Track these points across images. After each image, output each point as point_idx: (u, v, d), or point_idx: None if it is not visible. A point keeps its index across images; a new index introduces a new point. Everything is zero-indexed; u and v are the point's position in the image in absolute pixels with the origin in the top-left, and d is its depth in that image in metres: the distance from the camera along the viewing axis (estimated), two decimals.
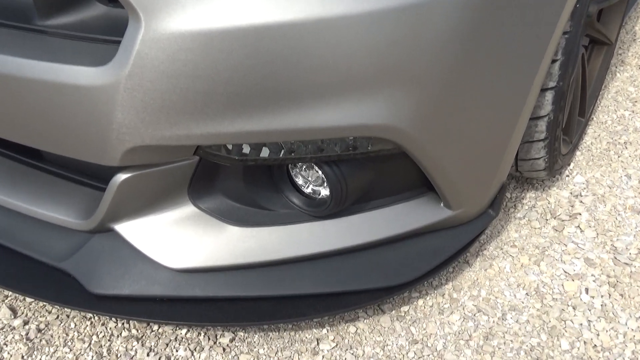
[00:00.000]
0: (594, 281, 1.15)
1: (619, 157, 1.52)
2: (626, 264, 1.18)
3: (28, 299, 1.12)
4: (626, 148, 1.56)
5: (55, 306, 1.09)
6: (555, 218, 1.31)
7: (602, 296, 1.12)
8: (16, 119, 0.88)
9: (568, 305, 1.11)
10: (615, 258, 1.20)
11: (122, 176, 0.89)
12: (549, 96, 1.08)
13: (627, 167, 1.48)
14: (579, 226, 1.28)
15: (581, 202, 1.36)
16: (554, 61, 1.04)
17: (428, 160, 0.91)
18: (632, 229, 1.27)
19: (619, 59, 2.09)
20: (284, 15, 0.74)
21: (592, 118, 1.70)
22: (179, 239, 0.96)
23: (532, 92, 0.98)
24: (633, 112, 1.74)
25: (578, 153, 1.54)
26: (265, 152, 0.87)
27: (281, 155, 0.88)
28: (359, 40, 0.76)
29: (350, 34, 0.75)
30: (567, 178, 1.44)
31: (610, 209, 1.33)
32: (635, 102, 1.80)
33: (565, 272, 1.17)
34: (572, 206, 1.35)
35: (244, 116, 0.79)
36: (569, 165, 1.48)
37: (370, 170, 0.96)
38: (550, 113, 1.10)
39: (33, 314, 1.10)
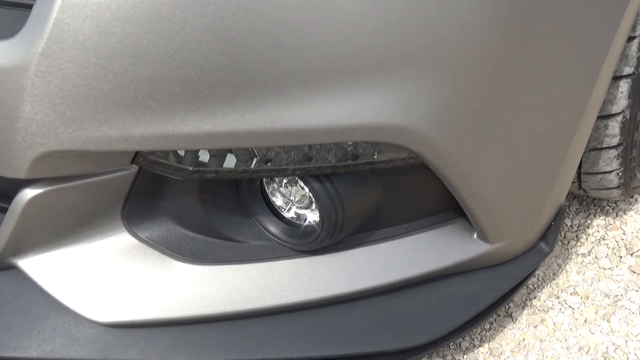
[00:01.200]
0: None
1: None
2: None
3: None
4: None
5: None
6: (632, 255, 1.35)
7: None
8: None
9: None
10: None
11: (30, 192, 0.91)
12: (624, 86, 1.12)
13: None
14: None
15: None
16: (630, 39, 1.07)
17: (456, 175, 0.93)
18: None
19: None
20: None
21: None
22: (109, 280, 0.98)
23: (600, 80, 1.02)
24: None
25: None
26: (230, 162, 0.89)
27: (253, 165, 0.90)
28: (361, 2, 0.79)
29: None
30: None
31: None
32: None
33: None
34: None
35: (202, 111, 0.81)
36: None
37: (377, 188, 0.99)
38: (625, 110, 1.14)
39: None
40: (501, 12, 0.84)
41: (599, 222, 1.43)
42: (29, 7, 0.81)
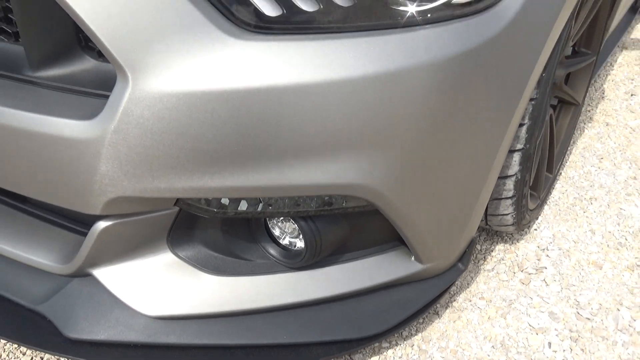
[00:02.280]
0: (556, 335, 1.17)
1: (584, 212, 1.57)
2: (588, 318, 1.21)
3: (2, 340, 1.11)
4: (591, 204, 1.61)
5: (30, 349, 1.08)
6: (522, 271, 1.34)
7: (564, 350, 1.14)
8: (1, 165, 0.89)
9: (531, 359, 1.12)
10: (578, 313, 1.23)
11: (103, 224, 0.90)
12: (517, 157, 1.12)
13: (592, 222, 1.52)
14: (544, 280, 1.31)
15: (547, 255, 1.39)
16: (521, 125, 1.08)
17: (399, 217, 0.93)
18: (594, 284, 1.31)
19: (588, 116, 2.17)
20: (266, 80, 0.76)
21: (560, 173, 1.75)
22: (156, 286, 0.96)
23: (500, 153, 1.02)
24: (599, 168, 1.80)
25: (546, 207, 1.58)
26: (243, 206, 0.89)
27: (259, 208, 0.89)
28: (335, 105, 0.78)
29: (327, 99, 0.78)
30: (535, 231, 1.48)
31: (575, 264, 1.37)
32: (602, 158, 1.86)
33: (530, 325, 1.19)
34: (538, 259, 1.38)
35: (225, 172, 0.81)
36: (536, 219, 1.52)
37: (345, 225, 0.98)
38: (517, 173, 1.14)
39: (7, 356, 1.08)
40: (430, 107, 0.84)
41: (499, 247, 1.42)
42: (106, 96, 0.81)
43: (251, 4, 0.77)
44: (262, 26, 0.78)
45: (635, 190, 1.68)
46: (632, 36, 3.18)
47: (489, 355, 1.13)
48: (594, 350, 1.14)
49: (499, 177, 1.12)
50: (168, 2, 0.74)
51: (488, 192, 1.08)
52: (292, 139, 0.79)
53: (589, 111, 2.21)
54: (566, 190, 1.67)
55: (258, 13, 0.78)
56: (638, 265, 1.37)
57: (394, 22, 0.81)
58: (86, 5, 0.72)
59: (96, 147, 0.79)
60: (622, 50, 2.92)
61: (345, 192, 0.86)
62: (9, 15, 0.89)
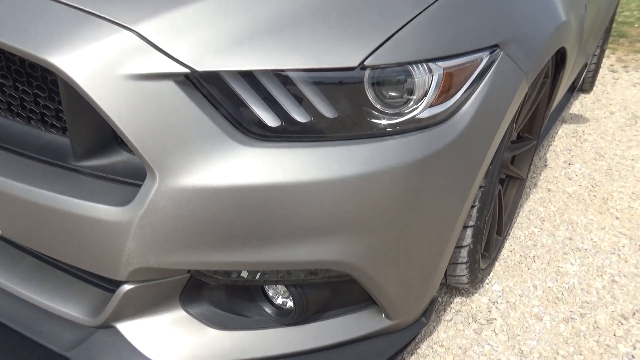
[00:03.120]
0: None
1: (528, 269, 1.63)
2: None
3: None
4: (534, 261, 1.67)
5: None
6: (475, 322, 1.38)
7: None
8: (43, 237, 0.93)
9: None
10: None
11: (127, 287, 0.94)
12: (469, 232, 1.18)
13: (534, 278, 1.58)
14: (494, 330, 1.36)
15: (497, 308, 1.44)
16: (473, 206, 1.15)
17: (373, 284, 0.98)
18: (535, 334, 1.35)
19: (533, 182, 2.25)
20: (266, 179, 0.82)
21: (509, 233, 1.82)
22: (169, 338, 0.99)
23: (455, 230, 1.08)
24: (541, 229, 1.87)
25: (497, 264, 1.64)
26: (244, 274, 0.94)
27: (257, 277, 0.94)
28: (321, 200, 0.84)
29: (315, 195, 0.84)
30: (487, 285, 1.53)
31: (520, 316, 1.42)
32: (543, 220, 1.93)
33: None
34: (489, 311, 1.43)
35: (230, 250, 0.86)
36: (489, 274, 1.57)
37: (327, 289, 1.02)
38: (470, 244, 1.20)
39: None
40: (399, 200, 0.90)
41: (457, 300, 1.47)
42: (137, 185, 0.87)
43: (256, 116, 0.84)
44: (264, 135, 0.84)
45: (571, 250, 1.75)
46: (571, 111, 3.32)
47: None
48: None
49: (455, 247, 1.18)
50: (190, 116, 0.80)
51: (446, 259, 1.13)
52: (286, 225, 0.85)
53: (534, 178, 2.30)
54: (514, 249, 1.73)
55: (261, 124, 0.84)
56: (572, 319, 1.42)
57: (370, 133, 0.88)
58: (124, 119, 0.78)
59: (126, 229, 0.84)
60: (562, 124, 3.05)
61: (328, 266, 0.91)
62: (60, 114, 0.95)
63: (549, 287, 1.54)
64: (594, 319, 1.43)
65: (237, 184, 0.81)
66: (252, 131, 0.84)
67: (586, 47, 2.30)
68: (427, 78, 0.89)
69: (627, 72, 4.52)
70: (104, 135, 0.92)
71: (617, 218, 1.99)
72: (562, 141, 2.77)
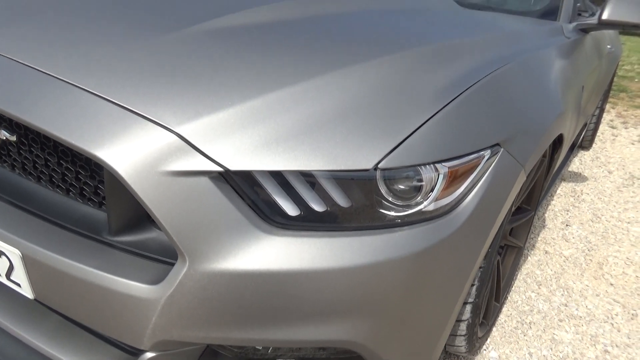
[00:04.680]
0: None
1: (524, 336, 1.69)
2: None
3: None
4: (530, 328, 1.73)
5: None
6: None
7: None
8: (74, 305, 1.00)
9: None
10: None
11: (149, 354, 1.00)
12: (468, 307, 1.25)
13: (530, 346, 1.64)
14: None
15: None
16: (472, 285, 1.22)
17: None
18: None
19: (531, 244, 2.33)
20: (285, 265, 0.90)
21: (507, 297, 1.89)
22: None
23: (456, 307, 1.15)
24: (538, 294, 1.94)
25: (494, 329, 1.70)
26: (258, 349, 1.01)
27: (269, 351, 1.01)
28: (334, 285, 0.92)
29: (328, 281, 0.91)
30: (484, 352, 1.59)
31: None
32: (540, 285, 2.00)
33: None
34: None
35: (248, 329, 0.93)
36: (486, 340, 1.64)
37: None
38: (469, 318, 1.27)
39: None
40: (405, 287, 0.97)
41: None
42: (167, 262, 0.95)
43: (279, 207, 0.93)
44: (285, 224, 0.93)
45: (566, 317, 1.82)
46: (570, 168, 3.42)
47: None
48: None
49: (456, 321, 1.25)
50: (220, 208, 0.89)
51: (447, 334, 1.19)
52: (301, 308, 0.92)
53: (532, 239, 2.38)
54: (511, 314, 1.79)
55: (283, 213, 0.93)
56: None
57: (380, 224, 0.96)
58: (162, 210, 0.87)
59: (155, 305, 0.91)
60: (561, 182, 3.14)
61: (337, 345, 0.98)
62: (98, 190, 1.04)
63: (544, 356, 1.60)
64: None
65: (259, 270, 0.89)
66: (275, 220, 0.93)
67: (585, 110, 2.40)
68: (433, 176, 0.98)
69: (626, 128, 4.65)
70: (139, 214, 1.01)
71: (611, 284, 2.05)
72: (560, 200, 2.86)
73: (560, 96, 1.44)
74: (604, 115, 5.06)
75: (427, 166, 0.96)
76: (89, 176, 1.03)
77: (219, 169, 0.87)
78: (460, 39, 1.32)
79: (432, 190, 0.98)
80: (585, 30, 2.09)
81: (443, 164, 0.98)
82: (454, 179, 1.01)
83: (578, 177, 3.25)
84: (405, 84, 1.05)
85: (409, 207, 0.98)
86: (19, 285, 1.06)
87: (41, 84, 0.96)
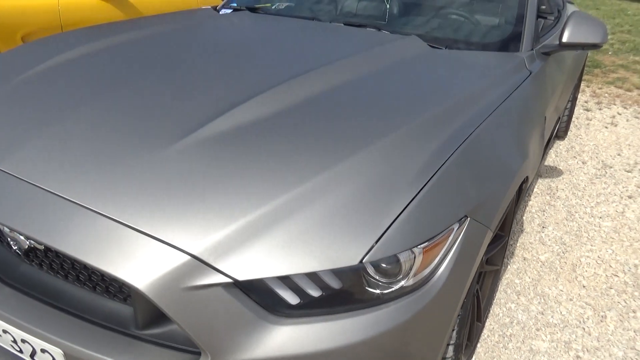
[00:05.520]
0: None
1: (505, 349, 1.90)
2: None
3: None
4: (511, 340, 1.94)
5: None
6: None
7: None
8: None
9: None
10: None
11: None
12: (451, 348, 1.44)
13: (510, 359, 1.85)
14: None
15: None
16: (453, 330, 1.41)
17: None
18: None
19: (510, 251, 2.53)
20: (289, 350, 1.07)
21: (489, 313, 2.09)
22: None
23: (441, 351, 1.33)
24: (517, 304, 2.15)
25: (478, 345, 1.91)
26: None
27: None
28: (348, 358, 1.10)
29: (329, 358, 1.10)
30: None
31: None
32: (519, 294, 2.21)
33: None
34: None
35: None
36: (472, 359, 1.84)
37: None
38: (452, 356, 1.47)
39: None
40: (395, 347, 1.16)
41: None
42: (192, 352, 1.12)
43: (279, 296, 1.10)
44: (288, 313, 1.10)
45: (542, 325, 2.03)
46: (546, 162, 3.62)
47: None
48: None
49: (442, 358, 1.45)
50: (233, 309, 1.05)
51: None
52: None
53: (511, 245, 2.58)
54: (493, 328, 2.00)
55: (284, 302, 1.10)
56: None
57: (368, 303, 1.14)
58: (184, 318, 1.03)
59: None
60: (537, 178, 3.34)
61: None
62: (123, 289, 1.21)
63: None
64: None
65: (270, 356, 1.07)
66: (279, 310, 1.10)
67: (557, 108, 2.57)
68: (410, 258, 1.15)
69: (600, 109, 4.83)
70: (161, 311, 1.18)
71: (583, 287, 2.27)
72: (537, 200, 3.06)
73: (524, 145, 1.62)
74: (579, 95, 5.24)
75: (405, 252, 1.13)
76: (114, 278, 1.19)
77: (230, 280, 1.03)
78: (439, 105, 1.48)
79: (410, 269, 1.16)
80: (547, 53, 2.25)
81: (419, 246, 1.15)
82: (428, 255, 1.19)
83: (553, 172, 3.45)
84: (387, 173, 1.21)
85: (392, 284, 1.16)
86: None
87: (65, 212, 1.11)
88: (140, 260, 1.03)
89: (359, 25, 2.36)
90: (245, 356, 1.07)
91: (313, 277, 1.10)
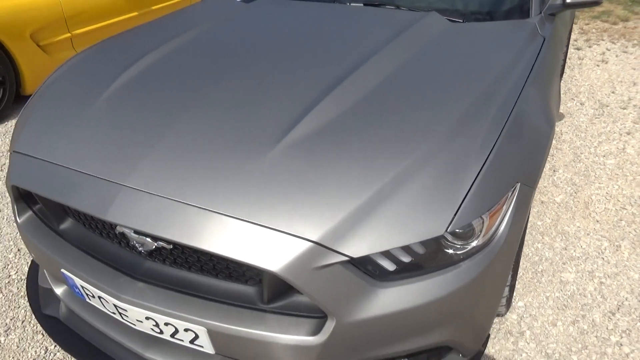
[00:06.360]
0: None
1: (539, 283, 2.22)
2: None
3: None
4: (543, 275, 2.26)
5: None
6: (512, 335, 1.96)
7: None
8: (248, 355, 1.45)
9: None
10: None
11: None
12: (507, 288, 1.75)
13: (545, 291, 2.18)
14: (526, 340, 1.94)
15: (524, 321, 2.02)
16: (509, 274, 1.71)
17: (459, 344, 1.53)
18: (554, 338, 1.95)
19: None
20: (393, 308, 1.35)
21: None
22: None
23: (504, 293, 1.64)
24: (542, 243, 2.46)
25: (517, 283, 2.23)
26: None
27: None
28: (428, 312, 1.35)
29: (424, 311, 1.34)
30: (514, 303, 2.12)
31: (541, 325, 2.00)
32: (543, 234, 2.52)
33: None
34: (520, 325, 1.99)
35: (378, 350, 1.40)
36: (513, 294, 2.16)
37: (426, 353, 1.59)
38: (507, 295, 1.77)
39: None
40: (471, 297, 1.45)
41: (496, 320, 2.05)
42: (315, 317, 1.40)
43: (380, 265, 1.37)
44: (387, 278, 1.38)
45: (567, 259, 2.35)
46: None
47: None
48: None
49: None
50: (348, 280, 1.32)
51: (496, 311, 1.70)
52: (410, 331, 1.37)
53: None
54: (526, 267, 2.32)
55: (384, 270, 1.38)
56: (577, 320, 2.03)
57: (447, 263, 1.41)
58: (313, 290, 1.30)
59: (317, 348, 1.35)
60: None
61: (436, 345, 1.46)
62: (246, 273, 1.47)
63: (557, 297, 2.14)
64: (591, 318, 2.04)
65: (380, 314, 1.35)
66: (381, 277, 1.37)
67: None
68: (480, 222, 1.42)
69: (590, 47, 5.06)
70: (284, 286, 1.44)
71: (597, 221, 2.59)
72: None
73: (550, 109, 1.87)
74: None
75: (476, 219, 1.40)
76: (237, 265, 1.45)
77: (347, 258, 1.30)
78: (482, 82, 1.70)
79: (480, 231, 1.44)
80: (553, 14, 2.46)
81: (486, 212, 1.42)
82: (492, 218, 1.46)
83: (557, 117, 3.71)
84: (455, 152, 1.43)
85: (466, 245, 1.43)
86: (201, 347, 1.51)
87: (201, 217, 1.35)
88: (273, 251, 1.28)
89: (378, 5, 2.53)
90: (360, 316, 1.34)
91: (405, 247, 1.37)
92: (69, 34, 3.99)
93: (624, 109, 3.72)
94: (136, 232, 1.45)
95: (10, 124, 3.70)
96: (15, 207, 1.78)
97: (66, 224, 1.73)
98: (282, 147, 1.48)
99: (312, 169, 1.42)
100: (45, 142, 1.67)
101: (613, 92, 3.99)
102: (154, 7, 4.65)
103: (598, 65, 4.57)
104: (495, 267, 1.49)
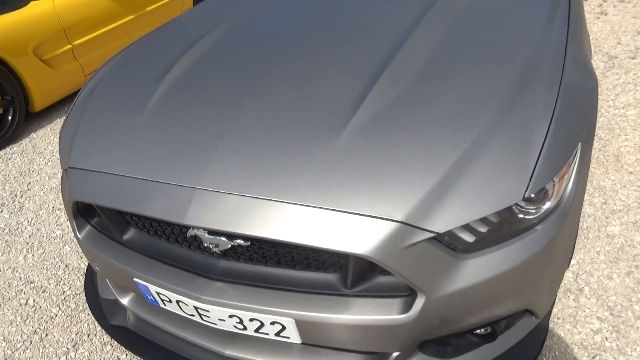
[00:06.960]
0: (606, 330, 1.86)
1: (588, 240, 2.25)
2: (618, 316, 1.91)
3: None
4: (589, 232, 2.29)
5: None
6: (571, 293, 2.00)
7: (610, 341, 1.83)
8: (335, 339, 1.47)
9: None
10: (612, 313, 1.92)
11: (395, 354, 1.51)
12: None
13: (595, 246, 2.20)
14: (585, 296, 1.98)
15: (580, 278, 2.05)
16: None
17: (536, 308, 1.57)
18: (612, 291, 1.99)
19: None
20: (476, 279, 1.37)
21: None
22: None
23: (571, 254, 1.68)
24: None
25: None
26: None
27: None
28: (508, 280, 1.37)
29: (504, 279, 1.36)
30: None
31: (597, 279, 2.04)
32: None
33: (590, 328, 1.88)
34: (577, 282, 2.04)
35: (463, 321, 1.42)
36: None
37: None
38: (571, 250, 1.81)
39: None
40: (543, 262, 1.49)
41: None
42: (401, 296, 1.43)
43: (461, 238, 1.39)
44: (467, 249, 1.40)
45: (609, 213, 2.39)
46: None
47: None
48: (627, 336, 1.84)
49: None
50: (434, 255, 1.34)
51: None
52: (493, 299, 1.39)
53: None
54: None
55: (464, 242, 1.40)
56: (631, 271, 2.08)
57: (522, 229, 1.44)
58: (402, 269, 1.32)
59: (408, 325, 1.36)
60: None
61: (517, 311, 1.50)
62: (326, 261, 1.49)
63: (607, 251, 2.18)
64: None
65: (466, 285, 1.37)
66: (463, 249, 1.40)
67: None
68: (551, 185, 1.45)
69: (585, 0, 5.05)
70: (369, 270, 1.46)
71: (631, 172, 2.63)
72: None
73: (590, 64, 1.88)
74: None
75: (549, 183, 1.43)
76: (317, 254, 1.47)
77: (433, 235, 1.32)
78: (529, 46, 1.71)
79: (552, 194, 1.46)
80: None
81: (556, 175, 1.45)
82: (561, 180, 1.49)
83: None
84: (521, 121, 1.44)
85: (539, 209, 1.46)
86: (288, 337, 1.53)
87: (282, 211, 1.36)
88: (360, 235, 1.30)
89: None
90: (447, 290, 1.37)
91: (482, 218, 1.40)
92: (69, 45, 3.94)
93: (633, 58, 3.74)
94: (210, 232, 1.46)
95: (25, 142, 3.67)
96: (74, 223, 1.78)
97: (129, 234, 1.74)
98: (350, 130, 1.49)
99: (384, 150, 1.43)
100: (100, 154, 1.67)
101: (619, 44, 4.01)
102: (148, 9, 4.59)
103: (598, 18, 4.58)
104: (567, 227, 1.52)
